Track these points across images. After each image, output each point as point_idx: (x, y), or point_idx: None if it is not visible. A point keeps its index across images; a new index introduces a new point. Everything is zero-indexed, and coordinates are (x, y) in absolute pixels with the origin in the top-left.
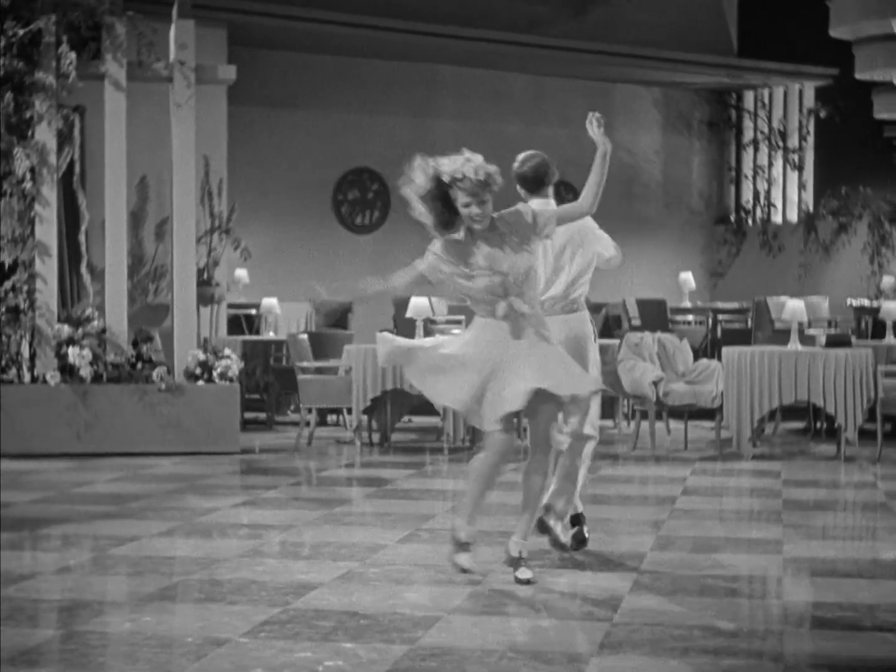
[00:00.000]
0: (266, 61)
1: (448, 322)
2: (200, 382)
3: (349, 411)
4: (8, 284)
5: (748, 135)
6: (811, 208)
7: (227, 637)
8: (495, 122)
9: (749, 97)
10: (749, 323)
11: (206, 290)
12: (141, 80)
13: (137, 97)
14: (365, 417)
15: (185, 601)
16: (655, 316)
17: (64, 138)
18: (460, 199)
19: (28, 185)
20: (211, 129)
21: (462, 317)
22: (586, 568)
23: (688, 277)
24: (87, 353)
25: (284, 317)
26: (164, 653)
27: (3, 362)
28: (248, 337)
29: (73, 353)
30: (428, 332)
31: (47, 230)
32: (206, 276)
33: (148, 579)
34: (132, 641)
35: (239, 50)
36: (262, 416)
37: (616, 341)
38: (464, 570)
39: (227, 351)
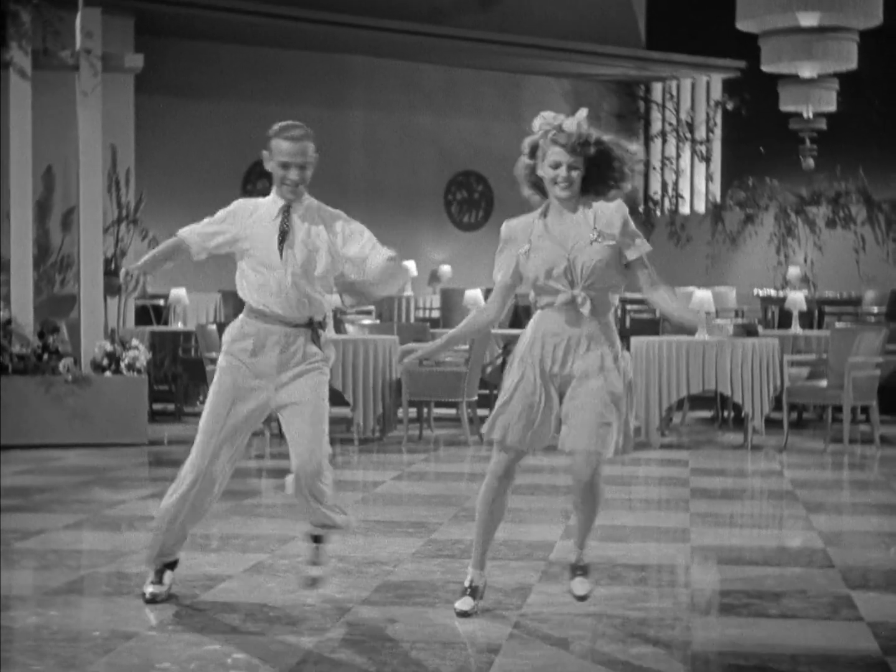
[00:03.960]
0: (174, 50)
1: (358, 313)
2: (108, 374)
3: None
4: None
5: (656, 126)
6: (718, 199)
7: (134, 630)
8: (406, 113)
9: (657, 89)
10: (657, 313)
11: (113, 281)
12: (46, 69)
13: (43, 86)
14: None
15: (93, 595)
16: None
17: None
18: (549, 156)
19: None
20: (118, 118)
21: (371, 308)
22: (495, 558)
23: None
24: None
25: (193, 307)
26: (71, 647)
27: None
28: (156, 328)
29: None
30: (338, 323)
31: None
32: (113, 266)
33: (54, 573)
34: (38, 636)
35: (146, 39)
36: (171, 407)
37: None
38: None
39: (134, 342)
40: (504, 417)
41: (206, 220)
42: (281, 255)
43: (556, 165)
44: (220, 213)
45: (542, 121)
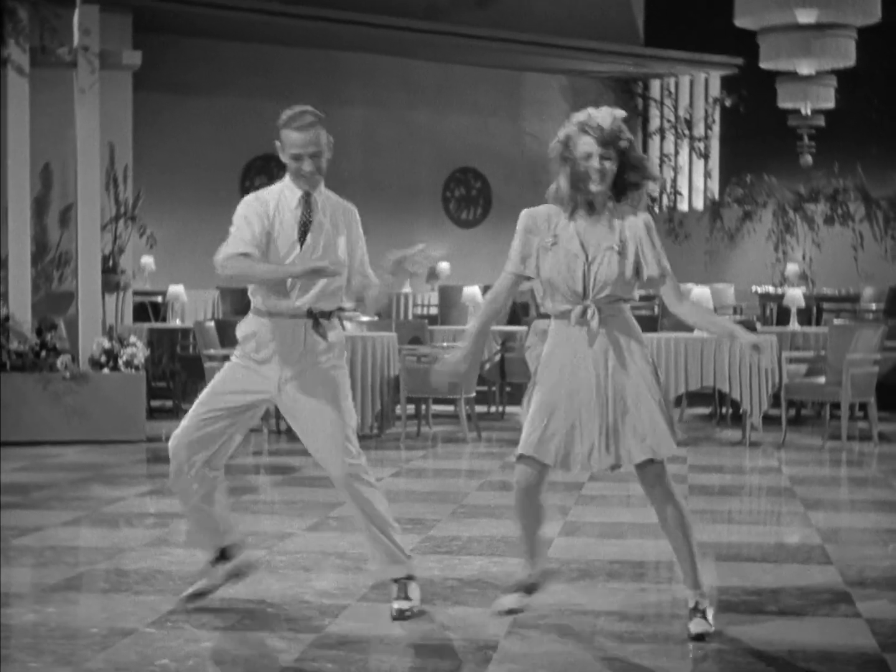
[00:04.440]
0: (172, 47)
1: (356, 311)
2: (106, 370)
3: None
4: None
5: (654, 123)
6: (717, 196)
7: (132, 627)
8: (403, 110)
9: (655, 86)
10: (656, 310)
11: (111, 278)
12: (44, 66)
13: (41, 83)
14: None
15: (91, 591)
16: None
17: None
18: (580, 146)
19: None
20: (116, 115)
21: None
22: (494, 555)
23: None
24: None
25: (191, 304)
26: (69, 644)
27: None
28: (154, 324)
29: None
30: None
31: None
32: (111, 263)
33: (52, 569)
34: (36, 633)
35: (144, 36)
36: (169, 403)
37: (524, 328)
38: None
39: (132, 339)
40: (546, 437)
41: (241, 226)
42: (301, 246)
43: (588, 156)
44: (247, 213)
45: (573, 119)
